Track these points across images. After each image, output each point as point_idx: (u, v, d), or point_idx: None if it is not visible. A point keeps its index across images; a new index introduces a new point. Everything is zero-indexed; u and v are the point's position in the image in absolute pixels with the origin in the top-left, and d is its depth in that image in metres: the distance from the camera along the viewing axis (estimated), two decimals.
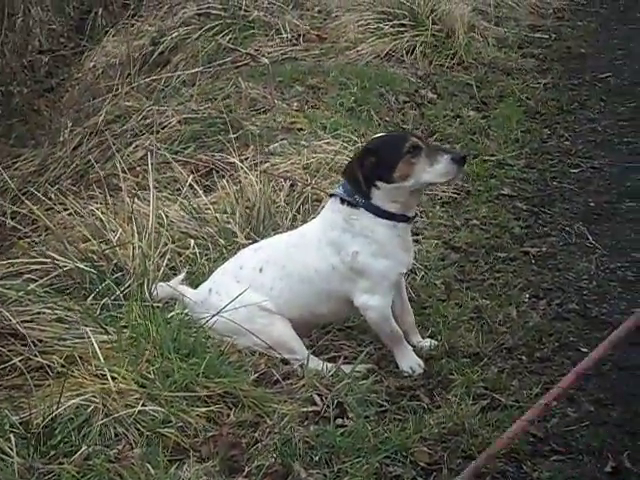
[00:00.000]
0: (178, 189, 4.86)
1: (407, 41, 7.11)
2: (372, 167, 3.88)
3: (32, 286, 4.08)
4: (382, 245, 3.88)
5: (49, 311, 3.89)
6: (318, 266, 3.93)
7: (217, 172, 5.13)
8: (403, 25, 7.20)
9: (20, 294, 3.97)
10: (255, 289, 3.91)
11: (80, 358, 3.61)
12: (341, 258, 3.87)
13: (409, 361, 4.00)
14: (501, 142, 5.89)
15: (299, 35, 7.19)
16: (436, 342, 4.14)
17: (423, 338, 4.15)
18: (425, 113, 6.30)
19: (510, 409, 3.78)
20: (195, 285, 4.12)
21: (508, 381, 3.95)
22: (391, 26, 7.19)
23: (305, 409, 3.59)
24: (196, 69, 6.42)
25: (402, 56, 7.02)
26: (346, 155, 5.30)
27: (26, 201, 4.72)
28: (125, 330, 3.77)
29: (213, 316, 3.86)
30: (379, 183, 3.87)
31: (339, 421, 3.50)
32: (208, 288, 4.04)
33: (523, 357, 4.09)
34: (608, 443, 3.65)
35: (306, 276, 3.93)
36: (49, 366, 3.64)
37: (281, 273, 3.98)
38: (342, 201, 3.93)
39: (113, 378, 3.48)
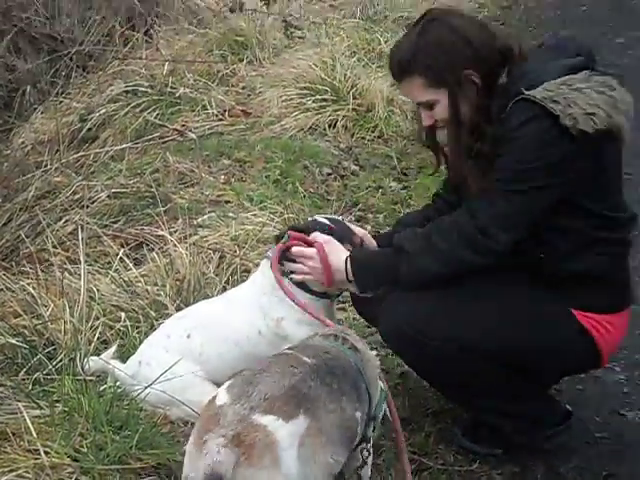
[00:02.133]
0: (109, 262, 4.85)
1: (329, 115, 7.17)
2: None
3: None
4: (305, 314, 3.85)
5: None
6: (246, 330, 3.90)
7: (147, 245, 5.12)
8: (325, 100, 7.25)
9: None
10: (185, 357, 3.87)
11: (13, 434, 3.54)
12: (266, 323, 3.86)
13: None
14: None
15: (225, 110, 7.21)
16: None
17: None
18: (348, 184, 6.36)
19: (438, 472, 3.82)
20: (126, 358, 4.10)
21: (435, 444, 3.98)
22: (313, 101, 7.24)
23: None
24: (124, 145, 6.40)
25: (325, 129, 7.07)
26: (273, 226, 5.34)
27: None
28: (57, 404, 3.71)
29: (145, 388, 3.84)
30: None
31: None
32: (138, 360, 4.00)
33: (448, 420, 4.12)
34: None
35: (234, 340, 3.89)
36: None
37: (209, 337, 3.94)
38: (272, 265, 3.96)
39: (46, 453, 3.42)
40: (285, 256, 3.93)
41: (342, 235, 3.95)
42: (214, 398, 2.89)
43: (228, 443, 2.71)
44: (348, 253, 3.83)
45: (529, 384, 3.86)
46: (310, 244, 3.89)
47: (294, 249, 3.92)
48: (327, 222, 4.02)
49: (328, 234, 3.92)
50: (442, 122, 3.69)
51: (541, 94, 3.44)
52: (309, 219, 4.22)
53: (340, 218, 4.22)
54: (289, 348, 3.26)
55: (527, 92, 3.46)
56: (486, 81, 3.59)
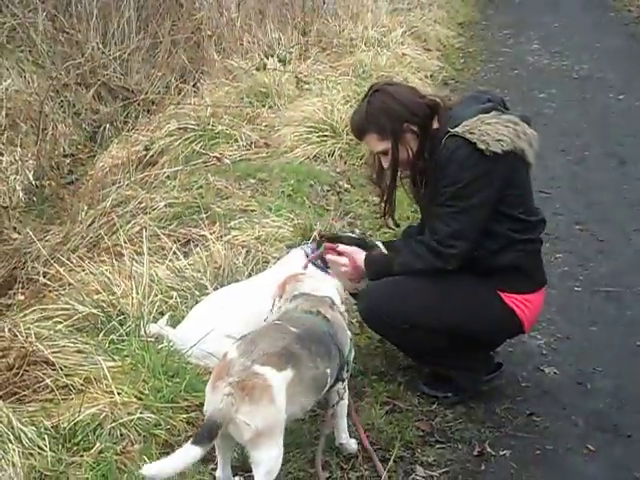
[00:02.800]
0: (165, 254, 4.86)
1: (328, 147, 7.14)
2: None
3: (59, 327, 4.06)
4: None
5: (72, 344, 3.87)
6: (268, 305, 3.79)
7: (193, 242, 5.12)
8: (325, 135, 7.23)
9: (50, 332, 3.96)
10: (218, 323, 3.86)
11: (94, 379, 3.62)
12: None
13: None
14: (396, 219, 5.94)
15: (251, 142, 7.18)
16: (353, 364, 4.14)
17: None
18: (342, 198, 6.36)
19: (406, 412, 3.85)
20: (177, 324, 4.12)
21: (404, 391, 4.01)
22: (317, 136, 7.22)
23: None
24: (177, 167, 6.39)
25: (325, 157, 7.05)
26: (286, 229, 5.35)
27: (54, 264, 4.70)
28: (127, 358, 3.78)
29: (191, 347, 3.87)
30: None
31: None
32: (185, 326, 4.03)
33: (415, 374, 4.14)
34: (475, 435, 3.72)
35: (257, 311, 3.76)
36: (72, 385, 3.63)
37: (237, 309, 3.94)
38: (305, 254, 4.01)
39: (118, 393, 3.50)
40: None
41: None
42: (226, 353, 3.00)
43: (232, 390, 2.82)
44: (365, 254, 3.93)
45: (470, 347, 3.89)
46: (339, 253, 3.97)
47: (328, 257, 3.99)
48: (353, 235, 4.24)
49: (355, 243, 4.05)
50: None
51: (461, 129, 3.57)
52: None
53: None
54: (278, 319, 3.34)
55: (452, 130, 3.57)
56: (422, 128, 3.71)
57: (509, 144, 3.54)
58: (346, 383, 3.42)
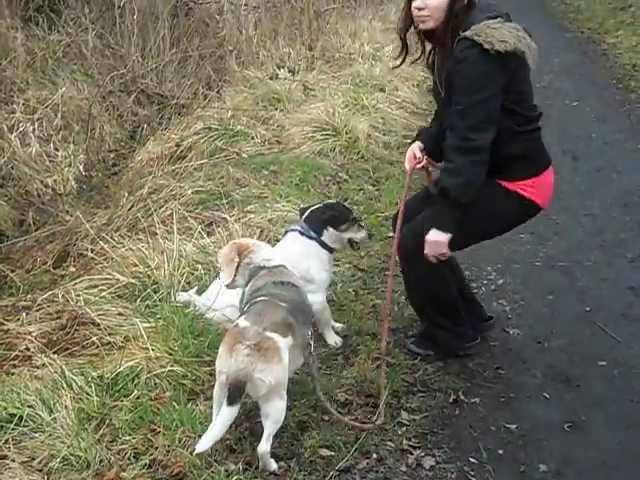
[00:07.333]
0: (191, 234, 4.84)
1: (330, 144, 7.08)
2: (331, 218, 3.91)
3: (104, 293, 4.07)
4: (324, 263, 3.89)
5: (114, 308, 3.88)
6: None
7: (215, 223, 5.10)
8: (328, 134, 7.17)
9: (96, 298, 3.98)
10: (232, 296, 3.76)
11: (132, 337, 3.61)
12: (298, 271, 3.73)
13: (333, 338, 4.00)
14: (387, 205, 5.92)
15: (265, 140, 7.13)
16: (344, 324, 4.13)
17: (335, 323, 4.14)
18: (342, 187, 6.32)
19: (394, 366, 3.83)
20: (201, 293, 4.10)
21: (393, 349, 3.98)
22: (321, 134, 7.16)
23: None
24: (202, 161, 6.37)
25: (327, 152, 6.99)
26: (294, 213, 5.31)
27: (100, 242, 4.70)
28: (160, 320, 3.76)
29: (213, 312, 3.86)
30: (330, 228, 3.90)
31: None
32: (207, 297, 3.99)
33: (402, 334, 4.11)
34: (451, 385, 3.71)
35: None
36: (114, 342, 3.63)
37: None
38: (301, 234, 3.92)
39: (152, 349, 3.50)
40: None
41: None
42: (237, 323, 2.99)
43: (251, 351, 2.81)
44: None
45: (462, 314, 3.84)
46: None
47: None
48: None
49: None
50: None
51: (470, 32, 3.42)
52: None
53: None
54: (263, 295, 3.16)
55: (462, 33, 3.45)
56: None
57: (511, 45, 3.40)
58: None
